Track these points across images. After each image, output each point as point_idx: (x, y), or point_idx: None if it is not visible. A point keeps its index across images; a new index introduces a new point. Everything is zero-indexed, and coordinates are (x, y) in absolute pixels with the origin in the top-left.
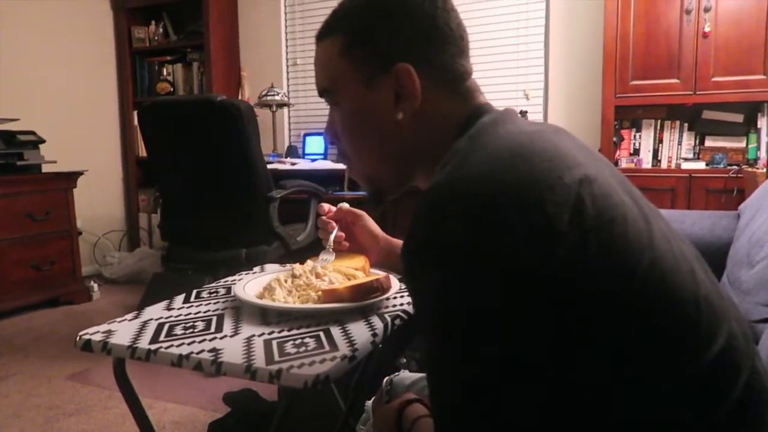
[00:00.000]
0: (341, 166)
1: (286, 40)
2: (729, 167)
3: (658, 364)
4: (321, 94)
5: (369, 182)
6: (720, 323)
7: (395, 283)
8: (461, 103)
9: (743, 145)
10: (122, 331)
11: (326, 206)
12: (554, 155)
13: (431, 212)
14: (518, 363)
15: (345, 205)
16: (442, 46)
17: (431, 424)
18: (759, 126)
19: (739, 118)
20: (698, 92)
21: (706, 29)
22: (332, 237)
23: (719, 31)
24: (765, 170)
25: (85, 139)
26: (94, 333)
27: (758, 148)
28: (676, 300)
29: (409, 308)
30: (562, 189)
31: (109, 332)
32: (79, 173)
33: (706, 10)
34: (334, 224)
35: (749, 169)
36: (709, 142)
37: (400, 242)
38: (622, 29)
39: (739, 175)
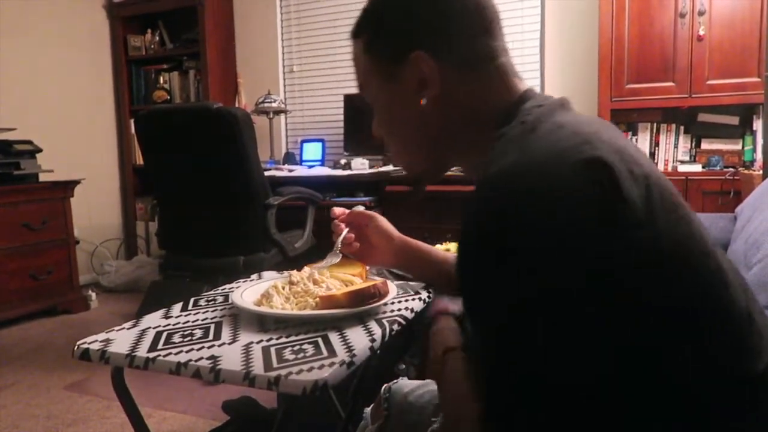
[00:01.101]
0: (339, 171)
1: (283, 47)
2: (725, 169)
3: (711, 373)
4: (361, 93)
5: (408, 170)
6: (765, 339)
7: (393, 289)
8: (491, 85)
9: (739, 147)
10: (120, 340)
11: (338, 210)
12: (621, 149)
13: (501, 197)
14: (581, 353)
15: (358, 208)
16: (460, 28)
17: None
18: (754, 128)
19: (734, 120)
20: (693, 95)
21: (701, 32)
22: (340, 238)
23: (713, 34)
24: (761, 172)
25: (81, 147)
26: (92, 342)
27: (754, 150)
28: (733, 310)
29: (407, 314)
30: (634, 181)
31: (107, 341)
32: (76, 182)
33: (701, 13)
34: (343, 226)
35: (745, 171)
36: (705, 145)
37: (417, 242)
38: (616, 33)
39: (735, 178)
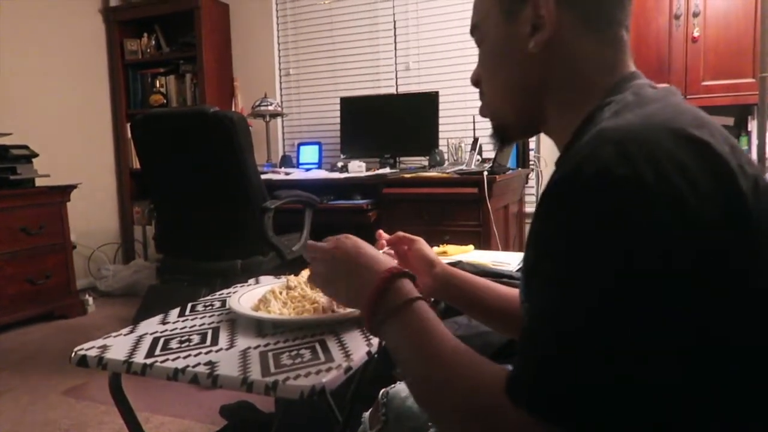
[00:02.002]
0: (336, 174)
1: (279, 50)
2: None
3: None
4: (472, 34)
5: (494, 117)
6: None
7: None
8: (608, 51)
9: None
10: (117, 346)
11: (383, 233)
12: (735, 145)
13: (621, 148)
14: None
15: (401, 233)
16: None
17: (432, 321)
18: (749, 129)
19: (729, 121)
20: (689, 96)
21: (695, 34)
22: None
23: (708, 35)
24: None
25: (78, 152)
26: (90, 348)
27: (749, 150)
28: None
29: None
30: (746, 177)
31: (104, 347)
32: (73, 186)
33: (695, 14)
34: (383, 242)
35: None
36: None
37: (458, 271)
38: None
39: None
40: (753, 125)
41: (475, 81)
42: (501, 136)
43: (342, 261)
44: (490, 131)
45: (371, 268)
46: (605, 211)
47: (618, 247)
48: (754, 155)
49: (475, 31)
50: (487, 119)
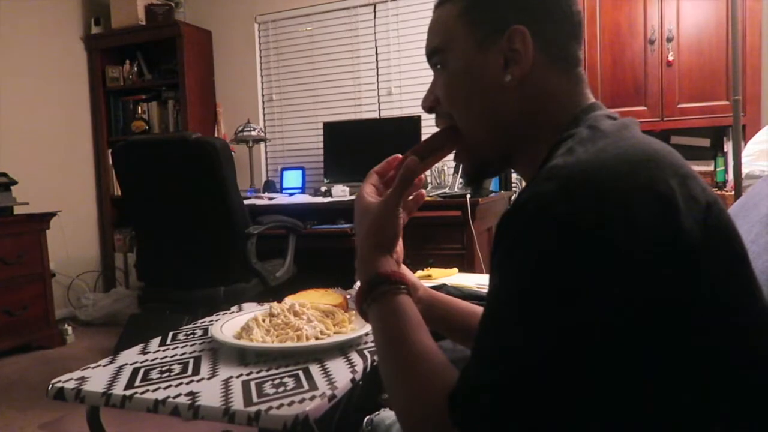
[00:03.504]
0: (319, 199)
1: (262, 75)
2: None
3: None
4: (430, 56)
5: (473, 152)
6: None
7: None
8: (571, 87)
9: (711, 168)
10: (96, 378)
11: None
12: (687, 175)
13: (563, 185)
14: (606, 356)
15: None
16: (560, 24)
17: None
18: (725, 149)
19: (705, 142)
20: (665, 118)
21: (670, 58)
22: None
23: (682, 59)
24: (733, 193)
25: (58, 179)
26: (67, 380)
27: (726, 171)
28: None
29: None
30: (696, 206)
31: (82, 379)
32: (53, 214)
33: (669, 39)
34: None
35: (719, 192)
36: None
37: (442, 295)
38: (589, 60)
39: None
40: (728, 146)
41: (430, 107)
42: (478, 175)
43: (365, 221)
44: (465, 177)
45: (380, 256)
46: (543, 247)
47: (554, 284)
48: (730, 176)
49: (437, 55)
50: (461, 163)
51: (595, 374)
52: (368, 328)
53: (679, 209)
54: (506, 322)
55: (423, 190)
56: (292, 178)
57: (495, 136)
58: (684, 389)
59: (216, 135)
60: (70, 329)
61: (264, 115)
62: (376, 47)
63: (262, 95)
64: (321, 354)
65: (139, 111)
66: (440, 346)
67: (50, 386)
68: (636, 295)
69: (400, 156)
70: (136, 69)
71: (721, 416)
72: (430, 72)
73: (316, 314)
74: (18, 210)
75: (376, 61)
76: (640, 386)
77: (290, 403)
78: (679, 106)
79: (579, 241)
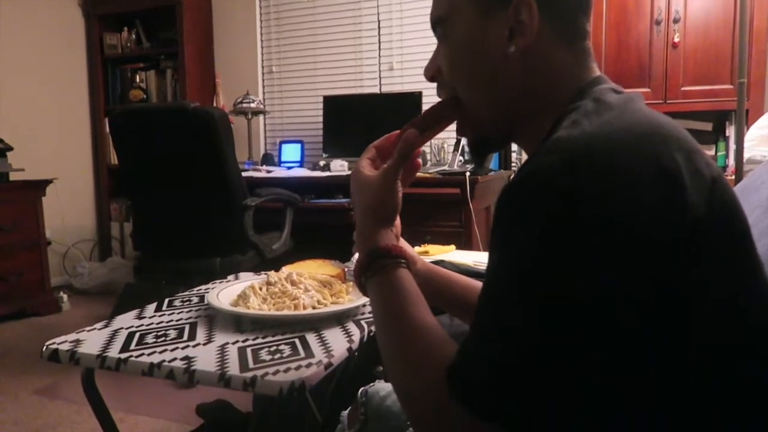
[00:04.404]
0: (318, 173)
1: (262, 47)
2: None
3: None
4: (434, 26)
5: (474, 126)
6: None
7: None
8: (576, 61)
9: (713, 152)
10: (91, 341)
11: None
12: (693, 148)
13: (566, 157)
14: (609, 329)
15: None
16: None
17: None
18: (727, 134)
19: (708, 126)
20: (668, 101)
21: (676, 39)
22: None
23: (688, 41)
24: (733, 177)
25: (54, 146)
26: (62, 342)
27: (727, 155)
28: None
29: None
30: (700, 180)
31: (77, 342)
32: (48, 182)
33: (675, 20)
34: None
35: None
36: None
37: (440, 269)
38: (594, 39)
39: None
40: (731, 131)
41: (432, 76)
42: (481, 150)
43: (363, 194)
44: (469, 151)
45: (380, 228)
46: (544, 222)
47: (555, 261)
48: (731, 161)
49: (441, 24)
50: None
51: (596, 353)
52: (365, 299)
53: (685, 184)
54: (506, 300)
55: (419, 159)
56: (291, 152)
57: (497, 109)
58: (685, 369)
59: (214, 106)
60: (65, 297)
61: (263, 87)
62: (379, 21)
63: (262, 67)
64: (318, 323)
65: (137, 80)
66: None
67: (45, 348)
68: (638, 271)
69: (398, 132)
70: (134, 37)
71: (722, 395)
72: (433, 48)
73: (314, 284)
74: (14, 177)
75: (378, 35)
76: (641, 366)
77: (286, 370)
78: (682, 88)
79: (582, 216)
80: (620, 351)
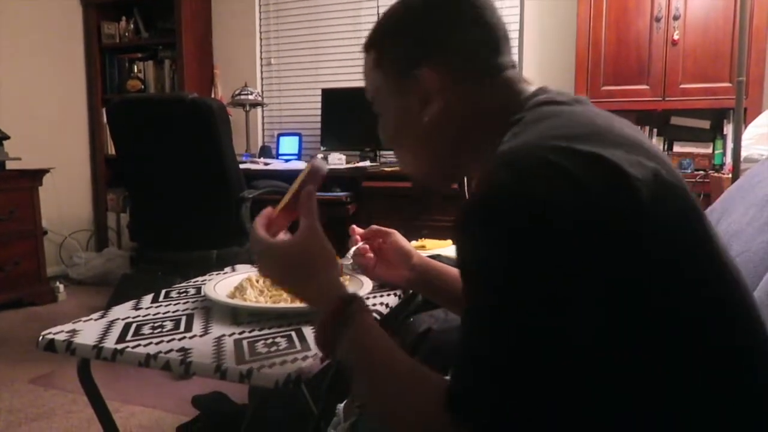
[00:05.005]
0: None
1: (261, 39)
2: (696, 172)
3: (706, 361)
4: (371, 104)
5: (415, 181)
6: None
7: (368, 283)
8: (498, 95)
9: (710, 150)
10: (87, 331)
11: (356, 228)
12: (633, 143)
13: (513, 168)
14: (570, 325)
15: (375, 227)
16: (466, 46)
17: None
18: (725, 132)
19: (705, 124)
20: (667, 98)
21: (675, 37)
22: (354, 248)
23: (687, 38)
24: (730, 176)
25: (51, 136)
26: (58, 332)
27: (724, 153)
28: (742, 306)
29: (383, 309)
30: (642, 169)
31: (73, 332)
32: (45, 171)
33: (675, 18)
34: (358, 238)
35: (715, 175)
36: (677, 148)
37: (436, 263)
38: (594, 36)
39: (705, 180)
40: (728, 129)
41: (387, 146)
42: (427, 194)
43: (299, 258)
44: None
45: (333, 279)
46: (507, 228)
47: (525, 263)
48: (728, 159)
49: (373, 103)
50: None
51: (591, 353)
52: (364, 291)
53: (626, 172)
54: (490, 315)
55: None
56: (289, 144)
57: (433, 167)
58: (656, 356)
59: (212, 97)
60: (61, 287)
61: (262, 79)
62: (378, 15)
63: (261, 59)
64: (314, 316)
65: (135, 70)
66: (431, 315)
67: (41, 337)
68: (600, 256)
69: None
70: (132, 26)
71: (694, 373)
72: None
73: None
74: (10, 166)
75: None
76: (622, 360)
77: (282, 362)
78: (681, 86)
79: (541, 220)
80: (600, 345)
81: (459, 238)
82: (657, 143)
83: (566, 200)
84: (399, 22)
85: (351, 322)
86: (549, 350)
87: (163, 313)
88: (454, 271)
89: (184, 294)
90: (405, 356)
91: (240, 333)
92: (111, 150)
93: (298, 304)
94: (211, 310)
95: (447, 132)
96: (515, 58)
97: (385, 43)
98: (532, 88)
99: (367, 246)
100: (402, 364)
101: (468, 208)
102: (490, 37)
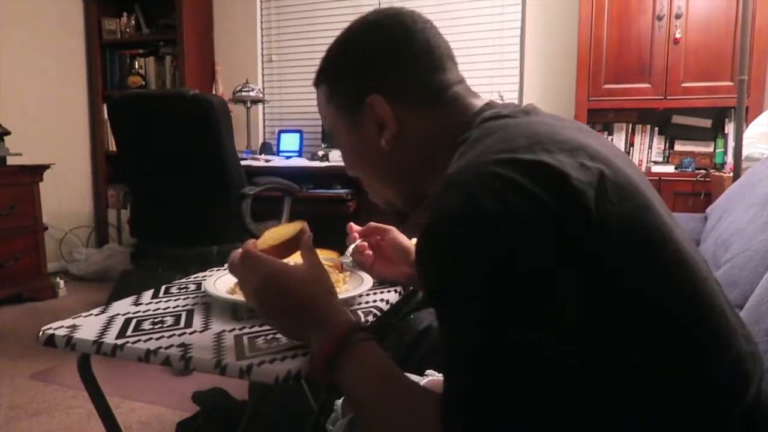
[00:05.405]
0: (316, 163)
1: (262, 35)
2: (697, 171)
3: (675, 366)
4: (329, 138)
5: (386, 205)
6: (734, 334)
7: (368, 280)
8: (449, 112)
9: (711, 149)
10: (87, 326)
11: (354, 225)
12: (576, 146)
13: (461, 188)
14: (545, 334)
15: (373, 224)
16: (410, 69)
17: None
18: (726, 131)
19: (707, 123)
20: (668, 97)
21: (677, 35)
22: (353, 246)
23: (689, 37)
24: (731, 174)
25: (52, 132)
26: (58, 328)
27: (725, 152)
28: (703, 303)
29: (382, 305)
30: (586, 172)
31: (73, 327)
32: (46, 167)
33: (677, 16)
34: (356, 235)
35: (716, 174)
36: (679, 147)
37: None
38: (595, 34)
39: (706, 179)
40: (730, 128)
41: (352, 175)
42: (400, 216)
43: (293, 286)
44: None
45: (334, 305)
46: (463, 248)
47: (488, 279)
48: (729, 158)
49: (331, 136)
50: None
51: (560, 361)
52: (364, 288)
53: (570, 175)
54: (464, 350)
55: None
56: (290, 141)
57: (399, 191)
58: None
59: (213, 94)
60: (61, 283)
61: (263, 75)
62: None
63: (262, 55)
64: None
65: (136, 66)
66: (430, 312)
67: (41, 332)
68: (557, 264)
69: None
70: (133, 22)
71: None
72: None
73: None
74: (11, 161)
75: None
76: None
77: (282, 359)
78: (683, 85)
79: (495, 229)
80: (583, 349)
81: (421, 267)
82: (658, 142)
83: (516, 208)
84: (344, 57)
85: (354, 348)
86: (528, 359)
87: (163, 309)
88: None
89: (184, 290)
90: (403, 378)
91: (240, 329)
92: (112, 146)
93: None
94: (211, 305)
95: (406, 154)
96: (516, 56)
97: (333, 77)
98: (479, 104)
99: (365, 243)
100: (407, 381)
101: (423, 236)
102: (431, 58)
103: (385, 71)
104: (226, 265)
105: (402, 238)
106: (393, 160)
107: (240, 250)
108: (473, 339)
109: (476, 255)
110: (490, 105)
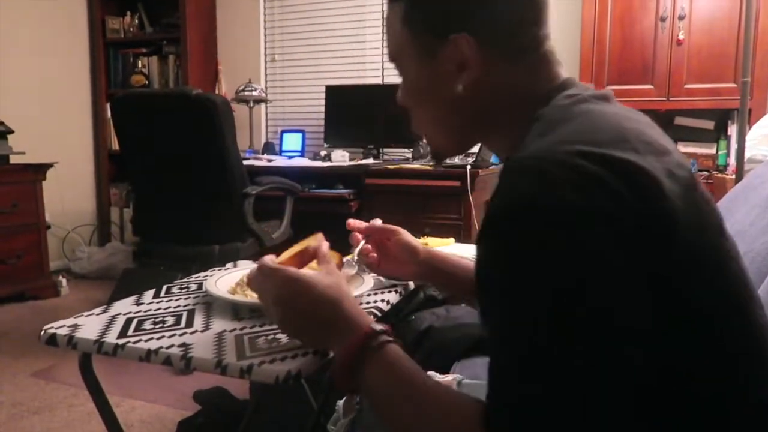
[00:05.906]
0: (319, 163)
1: (265, 35)
2: (699, 173)
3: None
4: (391, 61)
5: (430, 144)
6: None
7: (368, 281)
8: (532, 73)
9: (713, 151)
10: (89, 326)
11: (353, 221)
12: (662, 150)
13: (540, 175)
14: (614, 327)
15: (377, 222)
16: (506, 14)
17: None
18: (729, 133)
19: (710, 124)
20: (671, 98)
21: (680, 37)
22: (357, 249)
23: (693, 38)
24: (734, 176)
25: (55, 130)
26: (60, 327)
27: (728, 154)
28: (755, 324)
29: (383, 306)
30: (676, 180)
31: (75, 326)
32: (49, 165)
33: (681, 17)
34: (359, 237)
35: (719, 175)
36: (681, 148)
37: (445, 255)
38: (598, 35)
39: (709, 181)
40: (732, 129)
41: (403, 105)
42: (437, 158)
43: (324, 291)
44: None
45: (356, 309)
46: (538, 240)
47: (557, 275)
48: (732, 160)
49: (393, 60)
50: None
51: (624, 366)
52: (364, 288)
53: (660, 183)
54: (526, 330)
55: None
56: (292, 141)
57: (450, 138)
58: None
59: (216, 93)
60: (64, 281)
61: (266, 75)
62: (383, 12)
63: (265, 55)
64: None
65: (139, 65)
66: (433, 312)
67: (43, 332)
68: (634, 267)
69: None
70: (137, 21)
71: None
72: None
73: (311, 272)
74: (14, 160)
75: (382, 25)
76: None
77: (283, 358)
78: (686, 86)
79: (574, 224)
80: (647, 354)
81: (481, 248)
82: None
83: (602, 209)
84: None
85: (376, 353)
86: (590, 363)
87: (165, 309)
88: (460, 259)
89: (186, 289)
90: (432, 381)
91: (241, 328)
92: (114, 145)
93: None
94: (212, 305)
95: (476, 104)
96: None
97: (416, 0)
98: (562, 75)
99: (369, 246)
100: (434, 384)
101: (491, 218)
102: (533, 8)
103: (482, 12)
104: (227, 265)
105: (409, 237)
106: (461, 105)
107: (257, 264)
108: (524, 343)
109: (550, 254)
110: (571, 82)
